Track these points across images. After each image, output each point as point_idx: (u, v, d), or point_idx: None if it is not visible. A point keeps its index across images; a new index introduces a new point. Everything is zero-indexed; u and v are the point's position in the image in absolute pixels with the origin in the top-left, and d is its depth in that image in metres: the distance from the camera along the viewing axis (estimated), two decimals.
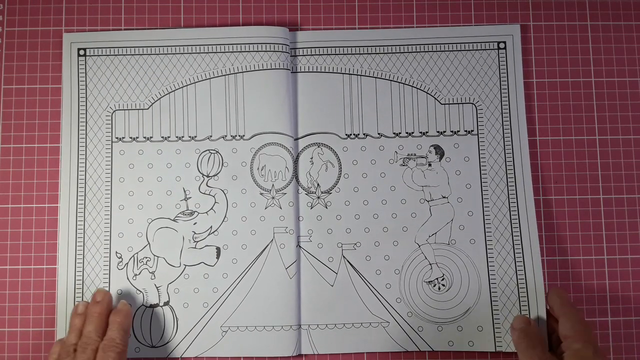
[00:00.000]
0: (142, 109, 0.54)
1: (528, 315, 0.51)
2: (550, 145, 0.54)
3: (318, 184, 0.53)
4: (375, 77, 0.55)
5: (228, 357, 0.52)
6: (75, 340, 0.48)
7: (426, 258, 0.52)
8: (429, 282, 0.52)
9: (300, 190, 0.53)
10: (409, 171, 0.53)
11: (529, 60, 0.55)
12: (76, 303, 0.51)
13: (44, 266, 0.52)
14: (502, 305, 0.52)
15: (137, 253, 0.53)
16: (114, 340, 0.47)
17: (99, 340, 0.47)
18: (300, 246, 0.53)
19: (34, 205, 0.53)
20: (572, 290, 0.53)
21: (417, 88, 0.54)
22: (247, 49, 0.54)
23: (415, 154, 0.54)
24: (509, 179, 0.53)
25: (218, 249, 0.53)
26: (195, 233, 0.53)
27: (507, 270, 0.52)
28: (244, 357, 0.52)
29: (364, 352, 0.52)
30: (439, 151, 0.54)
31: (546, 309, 0.50)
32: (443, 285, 0.52)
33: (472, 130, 0.54)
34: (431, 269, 0.52)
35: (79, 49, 0.55)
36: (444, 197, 0.53)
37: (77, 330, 0.49)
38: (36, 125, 0.54)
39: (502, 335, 0.51)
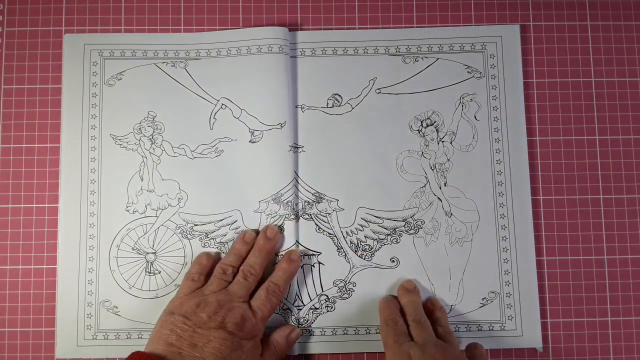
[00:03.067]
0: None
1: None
2: (550, 145, 0.54)
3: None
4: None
5: None
6: (235, 263, 0.50)
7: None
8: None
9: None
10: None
11: (529, 60, 0.55)
12: (245, 230, 0.52)
13: (44, 266, 0.52)
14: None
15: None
16: (279, 287, 0.49)
17: (261, 275, 0.49)
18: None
19: (34, 205, 0.53)
20: (572, 290, 0.53)
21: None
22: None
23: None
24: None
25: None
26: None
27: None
28: None
29: (364, 352, 0.52)
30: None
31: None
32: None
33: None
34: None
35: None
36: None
37: (239, 255, 0.50)
38: (36, 125, 0.54)
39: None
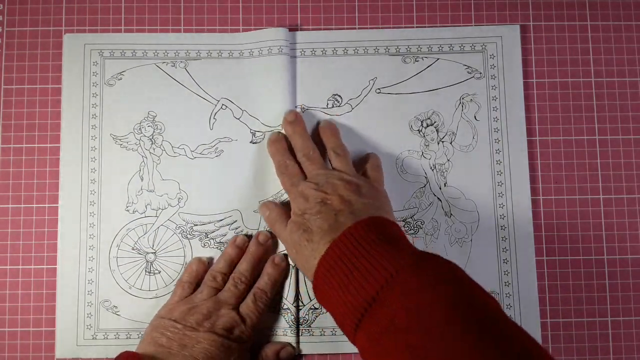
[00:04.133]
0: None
1: None
2: (550, 145, 0.54)
3: None
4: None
5: None
6: (226, 270, 0.50)
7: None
8: None
9: None
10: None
11: (529, 60, 0.55)
12: (236, 235, 0.52)
13: (44, 266, 0.52)
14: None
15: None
16: (266, 294, 0.49)
17: (252, 282, 0.49)
18: None
19: (34, 205, 0.53)
20: (572, 290, 0.53)
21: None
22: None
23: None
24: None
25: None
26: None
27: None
28: None
29: None
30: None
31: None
32: None
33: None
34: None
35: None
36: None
37: (230, 261, 0.50)
38: (36, 125, 0.54)
39: None
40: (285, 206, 0.50)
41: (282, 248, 0.52)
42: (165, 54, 0.54)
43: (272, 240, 0.51)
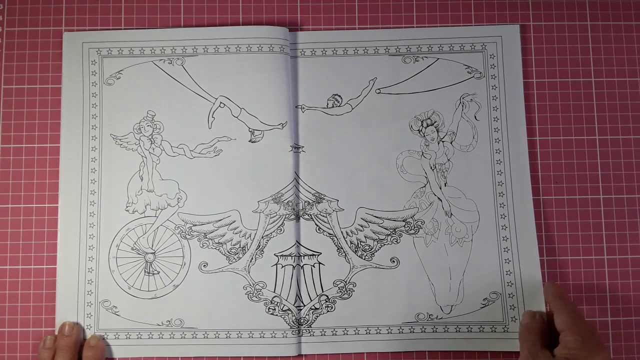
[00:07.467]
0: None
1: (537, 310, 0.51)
2: (550, 145, 0.54)
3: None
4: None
5: (228, 357, 0.52)
6: None
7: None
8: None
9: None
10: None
11: (529, 60, 0.55)
12: (43, 337, 0.51)
13: (44, 266, 0.52)
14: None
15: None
16: None
17: None
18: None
19: (34, 205, 0.53)
20: (572, 290, 0.53)
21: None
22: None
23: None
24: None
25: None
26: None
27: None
28: (244, 357, 0.52)
29: (364, 352, 0.52)
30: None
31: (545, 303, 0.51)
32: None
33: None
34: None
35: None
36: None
37: None
38: (36, 125, 0.54)
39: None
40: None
41: (288, 245, 0.52)
42: (162, 50, 0.54)
43: (77, 328, 0.51)
